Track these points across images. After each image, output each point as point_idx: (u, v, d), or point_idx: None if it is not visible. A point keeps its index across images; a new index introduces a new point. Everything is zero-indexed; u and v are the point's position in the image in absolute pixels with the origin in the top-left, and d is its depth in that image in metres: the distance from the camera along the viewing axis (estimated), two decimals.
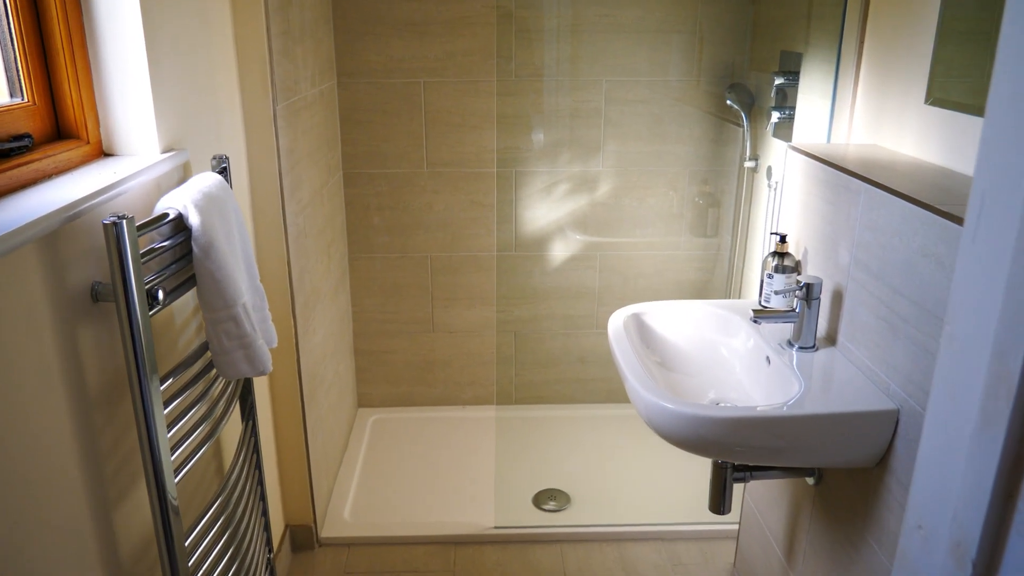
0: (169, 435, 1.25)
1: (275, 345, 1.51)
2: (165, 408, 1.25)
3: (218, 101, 1.72)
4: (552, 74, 2.79)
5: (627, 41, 2.75)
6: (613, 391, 3.19)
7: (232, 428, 1.75)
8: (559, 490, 2.64)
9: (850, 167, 1.55)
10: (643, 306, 1.86)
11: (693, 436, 1.41)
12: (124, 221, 1.04)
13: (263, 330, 1.44)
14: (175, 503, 1.22)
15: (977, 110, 1.39)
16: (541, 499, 2.60)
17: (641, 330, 1.82)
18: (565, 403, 3.21)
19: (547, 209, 2.94)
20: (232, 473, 1.59)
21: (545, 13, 2.74)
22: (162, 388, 1.24)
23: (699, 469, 2.61)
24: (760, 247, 2.56)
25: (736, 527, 2.31)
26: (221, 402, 1.52)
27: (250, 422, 1.70)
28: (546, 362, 3.16)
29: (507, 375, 3.17)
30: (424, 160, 2.85)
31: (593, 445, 2.94)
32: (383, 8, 2.67)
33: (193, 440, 1.35)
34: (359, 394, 3.17)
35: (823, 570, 1.68)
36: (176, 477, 1.27)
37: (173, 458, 1.25)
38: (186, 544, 1.33)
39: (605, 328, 3.10)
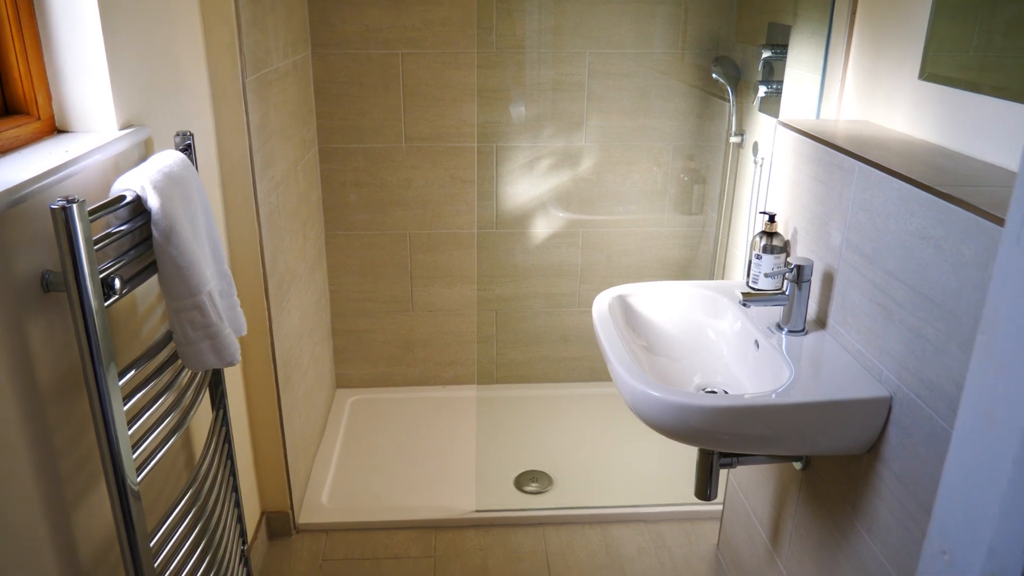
0: (134, 428, 1.18)
1: (244, 333, 1.44)
2: (129, 400, 1.18)
3: (182, 73, 1.63)
4: (534, 46, 2.70)
5: (611, 12, 2.67)
6: (595, 370, 3.15)
7: (202, 417, 1.68)
8: (541, 471, 2.60)
9: (842, 144, 1.50)
10: (628, 287, 1.81)
11: (680, 425, 1.36)
12: (74, 205, 0.96)
13: (231, 318, 1.36)
14: (138, 501, 1.16)
15: (973, 86, 1.33)
16: (523, 481, 2.56)
17: (626, 312, 1.77)
18: (547, 382, 3.16)
19: (529, 185, 2.88)
20: (202, 464, 1.53)
21: None
22: (126, 379, 1.18)
23: (683, 449, 2.58)
24: (745, 225, 2.51)
25: (720, 508, 2.28)
26: (189, 391, 1.45)
27: (221, 411, 1.63)
28: (528, 341, 3.11)
29: (488, 354, 3.12)
30: (402, 135, 2.77)
31: (575, 425, 2.90)
32: None
33: (160, 432, 1.28)
34: (337, 375, 3.11)
35: (810, 555, 1.65)
36: (141, 472, 1.20)
37: (139, 452, 1.19)
38: (155, 540, 1.27)
39: (587, 306, 3.06)
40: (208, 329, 1.24)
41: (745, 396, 1.36)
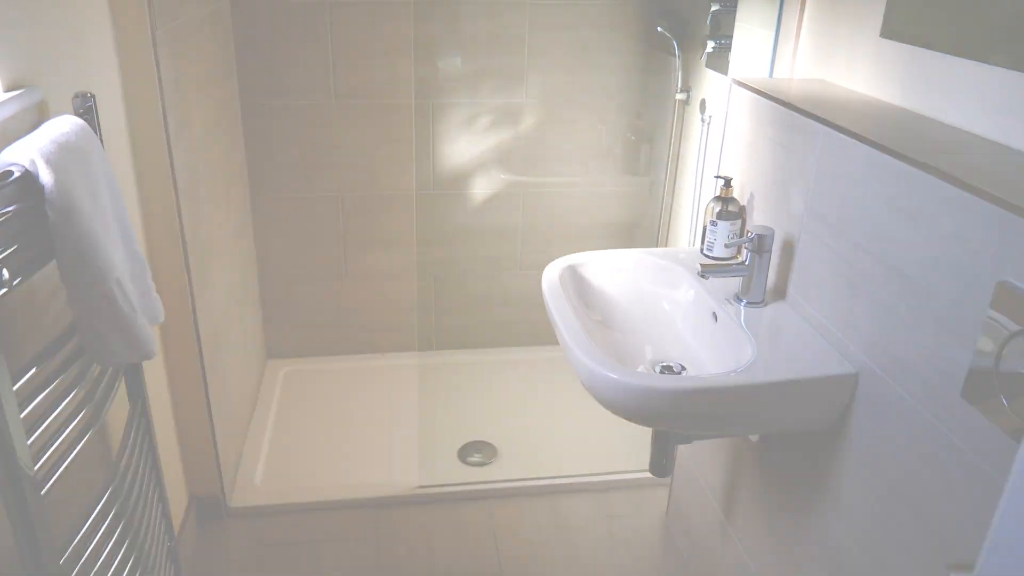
0: (36, 433, 1.05)
1: (161, 321, 1.30)
2: (31, 402, 1.04)
3: (81, 25, 1.44)
4: None
5: None
6: (538, 333, 3.07)
7: (119, 408, 1.53)
8: (485, 442, 2.53)
9: (800, 105, 1.42)
10: (579, 257, 1.72)
11: (639, 407, 1.29)
12: None
13: (144, 306, 1.22)
14: (42, 513, 1.02)
15: (940, 45, 1.26)
16: (466, 452, 2.48)
17: (578, 284, 1.68)
18: (488, 347, 3.08)
19: (468, 144, 2.74)
20: (121, 460, 1.39)
21: None
22: (25, 378, 1.03)
23: None
24: (691, 185, 2.44)
25: (669, 476, 2.25)
26: (103, 383, 1.31)
27: (139, 400, 1.49)
28: (468, 305, 3.01)
29: (428, 320, 3.01)
30: (332, 90, 2.60)
31: (518, 391, 2.83)
32: None
33: (69, 434, 1.15)
34: (268, 345, 2.95)
35: (766, 529, 1.61)
36: (47, 482, 1.07)
37: (44, 460, 1.06)
38: (66, 555, 1.14)
39: (529, 269, 2.97)
40: (118, 321, 1.10)
41: (708, 377, 1.29)
